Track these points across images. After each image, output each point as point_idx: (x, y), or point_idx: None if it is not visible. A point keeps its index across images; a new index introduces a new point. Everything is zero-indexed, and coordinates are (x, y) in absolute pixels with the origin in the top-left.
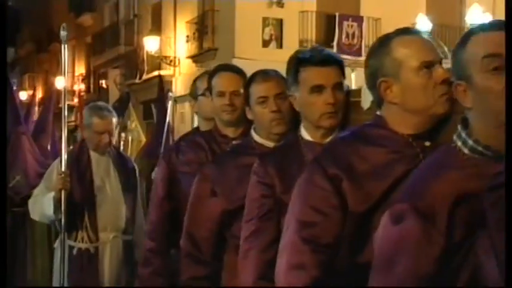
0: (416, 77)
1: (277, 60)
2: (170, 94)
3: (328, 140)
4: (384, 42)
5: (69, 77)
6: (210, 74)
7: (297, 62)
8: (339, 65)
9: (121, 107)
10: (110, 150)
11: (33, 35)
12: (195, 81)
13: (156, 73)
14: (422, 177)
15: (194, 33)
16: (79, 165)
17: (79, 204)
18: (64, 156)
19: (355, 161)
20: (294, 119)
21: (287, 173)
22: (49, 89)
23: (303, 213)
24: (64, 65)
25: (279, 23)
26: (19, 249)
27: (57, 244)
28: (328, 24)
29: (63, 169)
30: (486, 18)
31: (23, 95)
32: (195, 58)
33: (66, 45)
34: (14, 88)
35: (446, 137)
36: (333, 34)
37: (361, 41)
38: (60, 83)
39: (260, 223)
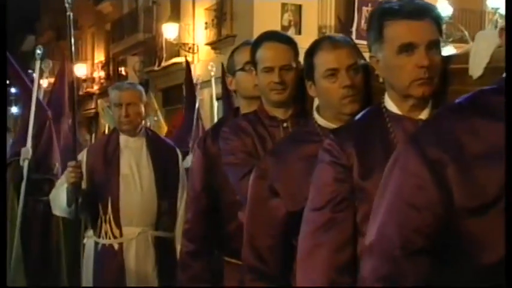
0: None
1: None
2: (199, 80)
3: (419, 113)
4: None
5: (89, 64)
6: (254, 44)
7: (382, 13)
8: (435, 19)
9: None
10: (146, 133)
11: (53, 22)
12: (232, 53)
13: (175, 60)
14: None
15: (213, 20)
16: (106, 151)
17: (103, 195)
18: (75, 146)
19: (466, 141)
20: (368, 97)
21: (368, 153)
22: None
23: (394, 209)
24: (38, 80)
25: (298, 8)
26: (52, 240)
27: (86, 240)
28: (347, 9)
29: (76, 159)
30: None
31: (44, 82)
32: (213, 45)
33: (40, 62)
34: (35, 76)
35: None
36: (352, 20)
37: None
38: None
39: (332, 214)
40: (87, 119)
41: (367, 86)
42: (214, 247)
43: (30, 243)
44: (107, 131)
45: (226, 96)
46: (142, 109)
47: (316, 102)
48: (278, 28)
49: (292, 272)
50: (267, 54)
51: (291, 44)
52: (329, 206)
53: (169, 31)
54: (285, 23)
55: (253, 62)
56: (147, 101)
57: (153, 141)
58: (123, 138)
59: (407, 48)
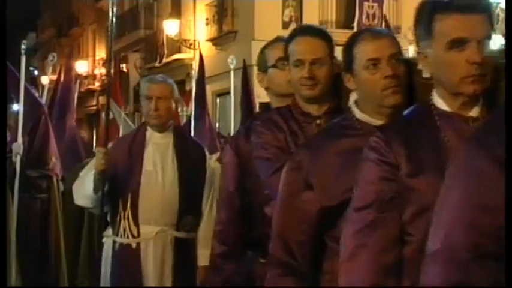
0: None
1: None
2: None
3: (469, 110)
4: None
5: (90, 61)
6: (287, 40)
7: (432, 7)
8: (488, 13)
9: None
10: (176, 130)
11: (54, 20)
12: (263, 49)
13: (177, 56)
14: None
15: (214, 16)
16: (132, 145)
17: (123, 190)
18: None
19: None
20: (410, 93)
21: (417, 151)
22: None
23: (462, 212)
24: (23, 75)
25: (299, 4)
26: (50, 239)
27: (104, 239)
28: (348, 5)
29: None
30: None
31: (45, 80)
32: (214, 41)
33: (24, 57)
34: (36, 73)
35: None
36: (353, 15)
37: (381, 22)
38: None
39: (378, 214)
40: (89, 115)
41: (409, 81)
42: (247, 248)
43: (26, 241)
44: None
45: (245, 92)
46: (173, 105)
47: (352, 98)
48: (279, 24)
49: (321, 271)
50: (298, 48)
51: (325, 38)
52: (374, 206)
53: (170, 27)
54: (286, 19)
55: (285, 57)
56: (178, 97)
57: (181, 139)
58: (150, 133)
59: (458, 43)
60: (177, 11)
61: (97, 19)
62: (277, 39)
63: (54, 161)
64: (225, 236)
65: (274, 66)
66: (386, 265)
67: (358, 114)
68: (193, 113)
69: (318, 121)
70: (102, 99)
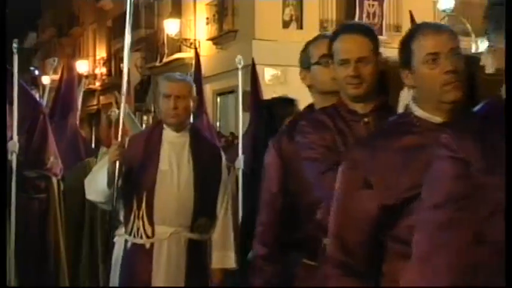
0: None
1: (298, 41)
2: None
3: None
4: None
5: (91, 60)
6: (332, 37)
7: None
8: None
9: (142, 90)
10: (192, 130)
11: (55, 19)
12: (306, 46)
13: (177, 55)
14: None
15: (214, 15)
16: (147, 144)
17: (138, 189)
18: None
19: None
20: (471, 90)
21: (489, 147)
22: (71, 68)
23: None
24: (15, 73)
25: (299, 3)
26: (49, 239)
27: (116, 238)
28: (348, 3)
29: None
30: None
31: (46, 80)
32: (215, 40)
33: (16, 56)
34: (36, 73)
35: None
36: (354, 14)
37: (382, 20)
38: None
39: (453, 212)
40: (89, 115)
41: (471, 78)
42: (290, 250)
43: (25, 242)
44: (112, 129)
45: (254, 90)
46: (191, 103)
47: (402, 95)
48: (279, 23)
49: (380, 272)
50: (343, 46)
51: (369, 35)
52: (449, 204)
53: (170, 27)
54: (286, 18)
55: (329, 55)
56: (195, 96)
57: (197, 139)
58: (166, 132)
59: None
60: (177, 10)
61: (97, 19)
62: (321, 36)
63: (53, 161)
64: (267, 237)
65: (317, 63)
66: (464, 265)
67: (417, 111)
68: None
69: (365, 119)
70: (103, 99)
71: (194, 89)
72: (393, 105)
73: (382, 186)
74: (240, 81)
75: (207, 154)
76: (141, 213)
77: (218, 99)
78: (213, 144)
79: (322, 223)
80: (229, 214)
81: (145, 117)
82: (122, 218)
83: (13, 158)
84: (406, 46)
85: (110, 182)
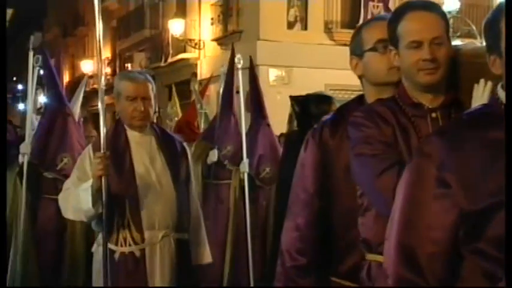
0: None
1: (302, 41)
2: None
3: None
4: None
5: (95, 60)
6: (393, 17)
7: None
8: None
9: None
10: (152, 127)
11: (59, 19)
12: (359, 30)
13: (182, 56)
14: None
15: (219, 16)
16: (115, 149)
17: (118, 197)
18: (102, 135)
19: None
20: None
21: None
22: (79, 71)
23: None
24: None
25: (304, 4)
26: (66, 239)
27: (95, 248)
28: (353, 5)
29: (101, 151)
30: None
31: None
32: (220, 41)
33: (32, 53)
34: (41, 73)
35: None
36: (359, 15)
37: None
38: (87, 66)
39: None
40: (93, 115)
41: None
42: (323, 263)
43: (44, 243)
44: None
45: (254, 88)
46: (154, 105)
47: (478, 90)
48: (284, 24)
49: None
50: (413, 26)
51: (440, 13)
52: None
53: (175, 27)
54: (291, 19)
55: (392, 39)
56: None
57: (162, 136)
58: (131, 133)
59: None
60: (182, 10)
61: (102, 19)
62: (376, 18)
63: (66, 162)
64: (304, 245)
65: (372, 49)
66: None
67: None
68: (219, 111)
69: (433, 114)
70: (107, 99)
71: (154, 87)
72: (465, 101)
73: (464, 187)
74: (241, 81)
75: (174, 149)
76: (125, 221)
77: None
78: (177, 138)
79: (365, 234)
80: (200, 209)
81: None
82: (94, 227)
83: (25, 160)
84: (492, 24)
85: (95, 200)
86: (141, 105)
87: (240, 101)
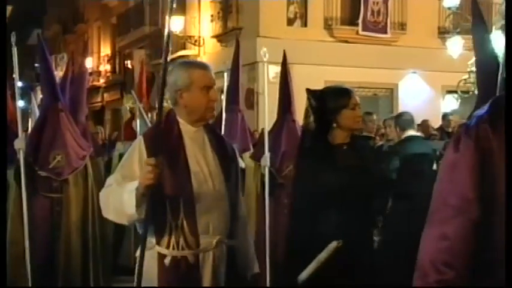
0: None
1: (302, 38)
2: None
3: None
4: None
5: (95, 57)
6: None
7: None
8: None
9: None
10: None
11: (59, 16)
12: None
13: (181, 53)
14: None
15: (219, 13)
16: (169, 142)
17: (172, 197)
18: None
19: None
20: None
21: None
22: (81, 64)
23: None
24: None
25: (304, 1)
26: (58, 240)
27: (138, 252)
28: (353, 1)
29: (145, 157)
30: None
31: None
32: (219, 37)
33: (15, 49)
34: (51, 63)
35: None
36: (358, 12)
37: (386, 18)
38: (87, 63)
39: None
40: (94, 112)
41: None
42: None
43: (37, 240)
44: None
45: (284, 83)
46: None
47: None
48: (284, 21)
49: None
50: None
51: None
52: None
53: (175, 24)
54: (291, 15)
55: None
56: None
57: (213, 134)
58: (185, 128)
59: None
60: (181, 7)
61: (102, 16)
62: None
63: (59, 160)
64: (454, 256)
65: None
66: None
67: None
68: (225, 107)
69: None
70: (107, 96)
71: None
72: None
73: None
74: (266, 77)
75: (226, 151)
76: (179, 223)
77: (222, 97)
78: (228, 141)
79: None
80: (246, 216)
81: (149, 114)
82: (151, 229)
83: (20, 155)
84: None
85: (139, 205)
86: (216, 94)
87: (265, 98)
